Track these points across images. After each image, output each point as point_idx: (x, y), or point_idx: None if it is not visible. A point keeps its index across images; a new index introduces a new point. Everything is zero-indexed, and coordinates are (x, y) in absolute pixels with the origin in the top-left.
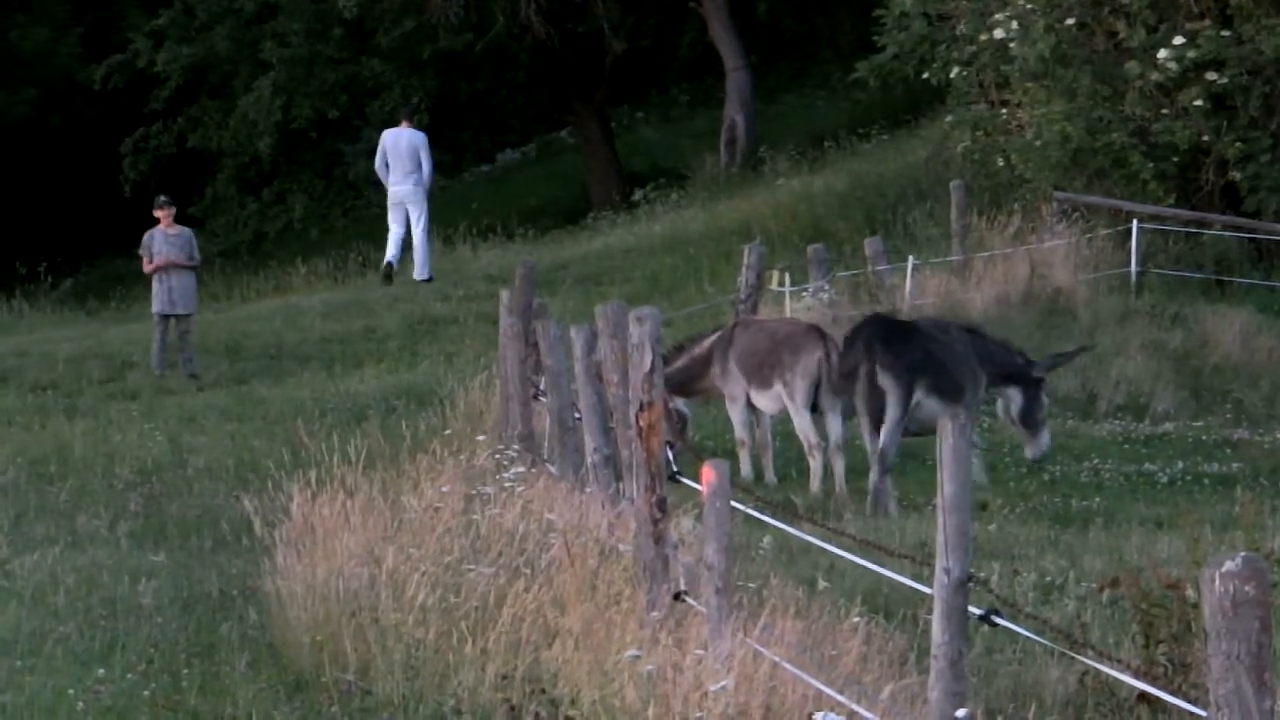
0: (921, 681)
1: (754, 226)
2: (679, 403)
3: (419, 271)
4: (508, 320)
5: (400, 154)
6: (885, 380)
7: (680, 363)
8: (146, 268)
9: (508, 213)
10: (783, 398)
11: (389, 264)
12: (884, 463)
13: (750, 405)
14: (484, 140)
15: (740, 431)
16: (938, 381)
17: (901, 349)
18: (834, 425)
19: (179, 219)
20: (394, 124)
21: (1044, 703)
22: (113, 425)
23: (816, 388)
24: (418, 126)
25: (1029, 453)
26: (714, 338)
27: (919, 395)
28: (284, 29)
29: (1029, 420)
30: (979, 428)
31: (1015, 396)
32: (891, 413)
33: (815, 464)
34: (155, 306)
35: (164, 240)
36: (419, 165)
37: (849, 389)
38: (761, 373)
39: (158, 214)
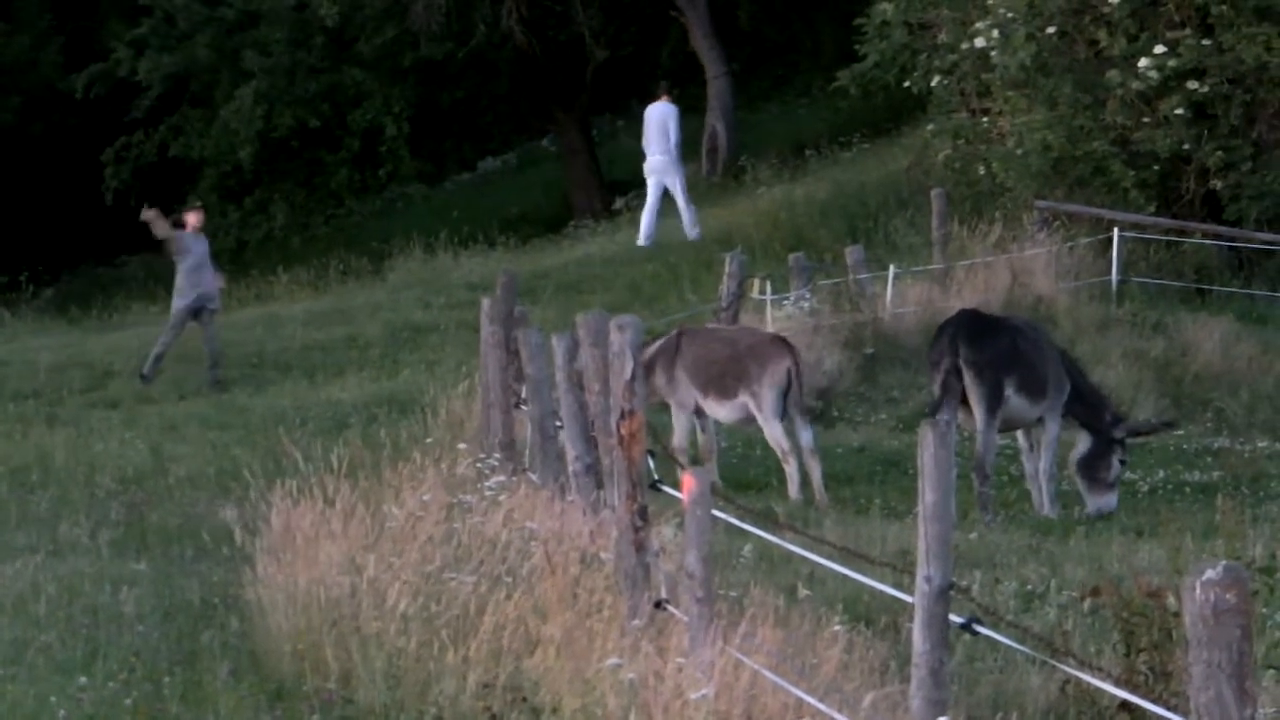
0: (903, 690)
1: (735, 235)
2: None
3: (689, 232)
4: (489, 328)
5: (653, 127)
6: (969, 378)
7: None
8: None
9: (489, 221)
10: (749, 408)
11: (640, 245)
12: (983, 469)
13: (698, 413)
14: (465, 148)
15: (680, 439)
16: (1024, 378)
17: (987, 345)
18: (804, 432)
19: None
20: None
21: (1025, 711)
22: (94, 434)
23: (784, 396)
24: (673, 101)
25: (1088, 507)
26: (658, 345)
27: (1008, 392)
28: (265, 37)
29: (1090, 473)
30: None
31: (1083, 441)
32: (980, 412)
33: (791, 469)
34: (187, 300)
35: (194, 239)
36: (669, 137)
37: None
38: (723, 382)
39: (190, 216)
